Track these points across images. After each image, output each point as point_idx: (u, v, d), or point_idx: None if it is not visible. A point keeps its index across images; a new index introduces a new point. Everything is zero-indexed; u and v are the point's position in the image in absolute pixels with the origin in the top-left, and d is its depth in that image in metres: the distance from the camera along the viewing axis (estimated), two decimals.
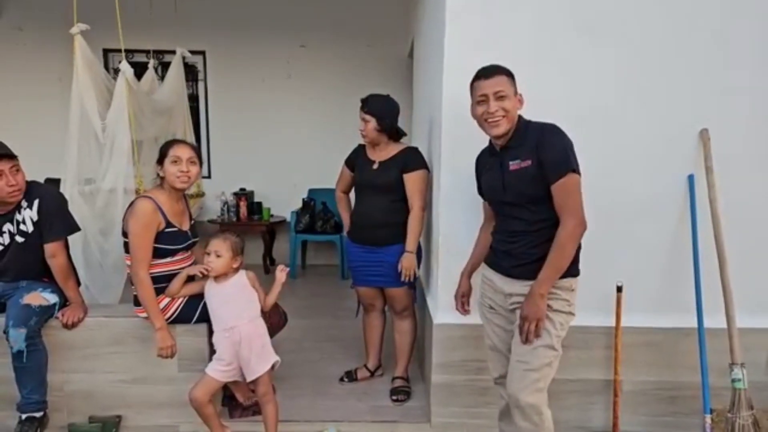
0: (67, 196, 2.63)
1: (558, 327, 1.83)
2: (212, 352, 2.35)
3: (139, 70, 3.59)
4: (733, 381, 2.19)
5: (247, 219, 5.14)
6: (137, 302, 2.36)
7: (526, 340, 1.82)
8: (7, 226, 2.38)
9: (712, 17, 2.24)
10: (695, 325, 2.31)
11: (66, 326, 2.42)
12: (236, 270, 2.30)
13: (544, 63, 2.27)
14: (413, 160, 2.63)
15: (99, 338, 2.46)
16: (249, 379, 2.26)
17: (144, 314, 2.34)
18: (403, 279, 2.62)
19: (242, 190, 5.31)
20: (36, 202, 2.39)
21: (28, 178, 2.41)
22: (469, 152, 2.11)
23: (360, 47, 5.30)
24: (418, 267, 2.70)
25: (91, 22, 2.85)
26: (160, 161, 2.34)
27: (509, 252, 1.92)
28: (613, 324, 2.36)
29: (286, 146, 5.47)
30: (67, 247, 2.48)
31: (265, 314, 2.36)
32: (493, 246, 2.03)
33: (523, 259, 1.87)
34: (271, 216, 5.26)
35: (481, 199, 2.15)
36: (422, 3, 3.30)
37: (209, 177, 5.45)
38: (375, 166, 2.68)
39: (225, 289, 2.27)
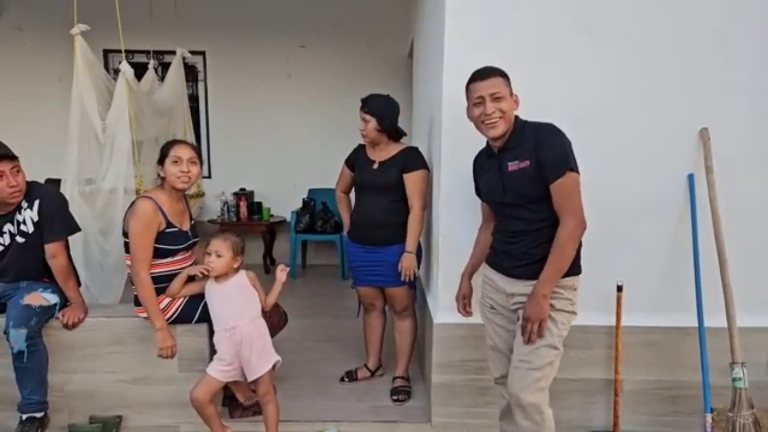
0: (67, 197, 2.63)
1: (560, 326, 1.84)
2: (213, 352, 2.35)
3: (139, 70, 3.58)
4: (734, 380, 2.19)
5: (247, 219, 5.14)
6: (138, 302, 2.36)
7: (528, 341, 1.82)
8: (8, 227, 2.38)
9: (712, 17, 2.24)
10: (696, 324, 2.31)
11: (66, 326, 2.42)
12: (237, 270, 2.30)
13: (544, 63, 2.27)
14: (413, 160, 2.63)
15: (99, 338, 2.46)
16: (250, 379, 2.26)
17: (144, 314, 2.34)
18: (402, 279, 2.62)
19: (242, 190, 5.32)
20: (36, 203, 2.39)
21: (29, 179, 2.41)
22: (469, 152, 2.11)
23: (360, 47, 5.30)
24: (418, 267, 2.70)
25: (91, 22, 2.85)
26: (161, 161, 2.34)
27: (510, 252, 1.92)
28: (614, 323, 2.36)
29: (286, 146, 5.47)
30: (67, 247, 2.48)
31: (265, 314, 2.36)
32: (494, 246, 2.03)
33: (525, 259, 1.87)
34: (271, 216, 5.26)
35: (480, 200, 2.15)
36: (422, 3, 3.30)
37: (209, 177, 5.45)
38: (375, 166, 2.68)
39: (225, 289, 2.27)
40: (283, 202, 5.36)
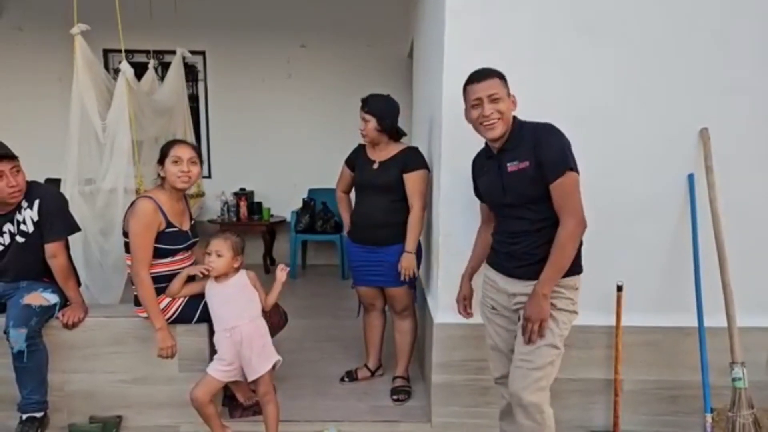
0: (67, 196, 2.63)
1: (561, 325, 1.84)
2: (213, 352, 2.35)
3: (139, 70, 3.58)
4: (734, 380, 2.19)
5: (247, 219, 5.14)
6: (138, 302, 2.36)
7: (529, 341, 1.82)
8: (8, 227, 2.38)
9: (712, 17, 2.24)
10: (695, 324, 2.31)
11: (66, 326, 2.42)
12: (237, 270, 2.30)
13: (544, 63, 2.27)
14: (413, 160, 2.63)
15: (99, 338, 2.46)
16: (250, 378, 2.26)
17: (144, 314, 2.34)
18: (402, 279, 2.63)
19: (242, 190, 5.32)
20: (36, 203, 2.39)
21: (28, 179, 2.41)
22: (469, 152, 2.11)
23: (360, 47, 5.30)
24: (418, 267, 2.70)
25: (91, 22, 2.85)
26: (161, 161, 2.34)
27: (512, 253, 1.92)
28: (614, 323, 2.36)
29: (286, 146, 5.47)
30: (67, 247, 2.48)
31: (265, 314, 2.36)
32: (495, 247, 2.03)
33: (527, 259, 1.87)
34: (271, 216, 5.26)
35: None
36: (422, 3, 3.30)
37: (209, 177, 5.45)
38: (375, 166, 2.68)
39: (226, 288, 2.27)
40: (283, 202, 5.36)
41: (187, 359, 2.44)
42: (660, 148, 2.32)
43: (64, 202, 2.53)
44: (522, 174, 1.82)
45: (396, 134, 2.70)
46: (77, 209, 2.70)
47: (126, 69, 3.00)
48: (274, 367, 2.31)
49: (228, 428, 2.37)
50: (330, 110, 5.38)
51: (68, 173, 2.86)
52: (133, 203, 2.34)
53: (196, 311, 2.38)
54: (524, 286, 1.87)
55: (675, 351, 2.44)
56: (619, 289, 2.33)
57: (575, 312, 1.89)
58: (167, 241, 2.31)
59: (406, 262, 2.60)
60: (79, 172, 2.90)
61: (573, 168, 1.78)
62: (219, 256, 2.22)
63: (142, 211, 2.24)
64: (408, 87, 4.36)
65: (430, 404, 2.57)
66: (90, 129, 2.88)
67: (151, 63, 4.25)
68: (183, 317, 2.38)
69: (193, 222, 2.52)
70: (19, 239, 2.39)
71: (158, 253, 2.30)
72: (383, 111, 2.62)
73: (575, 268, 1.86)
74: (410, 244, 2.60)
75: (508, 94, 1.86)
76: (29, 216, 2.39)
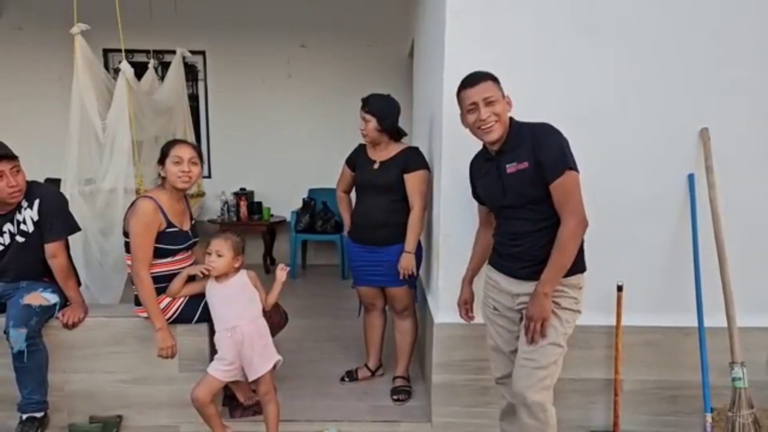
0: (67, 196, 2.63)
1: (565, 324, 1.84)
2: (213, 352, 2.35)
3: (139, 70, 3.58)
4: (734, 380, 2.19)
5: (247, 219, 5.14)
6: (138, 302, 2.36)
7: (531, 341, 1.82)
8: (8, 226, 2.38)
9: (712, 17, 2.24)
10: (695, 324, 2.31)
11: (66, 326, 2.42)
12: (237, 270, 2.30)
13: (544, 63, 2.27)
14: (414, 160, 2.63)
15: (99, 338, 2.46)
16: (251, 378, 2.26)
17: (145, 314, 2.34)
18: (400, 278, 2.63)
19: (242, 189, 5.32)
20: (36, 202, 2.39)
21: (28, 178, 2.41)
22: (469, 152, 2.11)
23: (360, 47, 5.30)
24: (418, 267, 2.70)
25: (91, 22, 2.85)
26: (162, 161, 2.34)
27: (515, 255, 1.91)
28: (614, 323, 2.36)
29: (286, 146, 5.47)
30: (67, 247, 2.48)
31: (266, 314, 2.36)
32: (497, 248, 2.02)
33: (530, 260, 1.86)
34: (271, 216, 5.26)
35: None
36: (422, 3, 3.30)
37: (209, 177, 5.45)
38: (376, 166, 2.68)
39: (226, 288, 2.27)
40: (283, 202, 5.35)
41: (187, 359, 2.44)
42: (660, 148, 2.32)
43: (64, 202, 2.52)
44: (521, 175, 1.82)
45: (396, 134, 2.70)
46: (77, 209, 2.70)
47: (126, 69, 3.00)
48: (274, 366, 2.31)
49: (228, 428, 2.37)
50: (330, 110, 5.38)
51: (68, 173, 2.86)
52: (133, 203, 2.34)
53: (196, 311, 2.38)
54: (528, 287, 1.86)
55: (675, 351, 2.44)
56: (619, 289, 2.34)
57: (579, 311, 1.90)
58: (167, 241, 2.31)
59: (405, 262, 2.60)
60: (79, 172, 2.90)
61: (572, 167, 1.78)
62: (219, 255, 2.22)
63: (143, 211, 2.24)
64: (408, 87, 4.36)
65: (430, 404, 2.57)
66: (90, 129, 2.88)
67: (151, 63, 4.25)
68: (183, 317, 2.38)
69: (193, 222, 2.52)
70: (19, 239, 2.39)
71: (158, 253, 2.30)
72: (384, 111, 2.62)
73: (578, 267, 1.86)
74: (410, 244, 2.60)
75: (503, 96, 1.86)
76: (29, 216, 2.38)
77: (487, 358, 2.17)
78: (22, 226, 2.38)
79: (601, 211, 2.08)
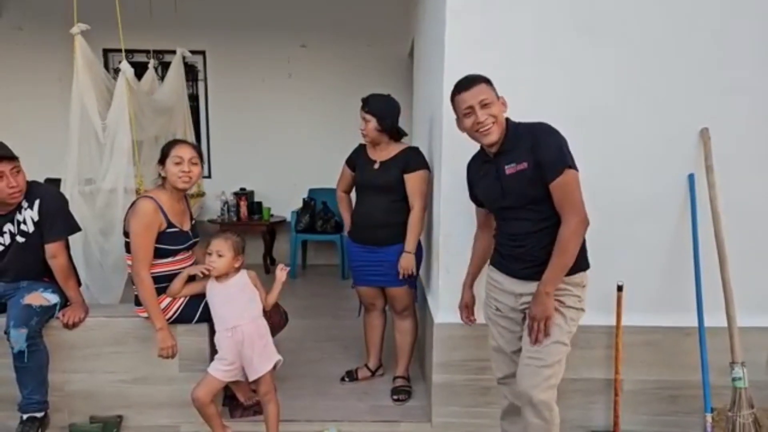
0: (67, 196, 2.63)
1: (569, 322, 1.84)
2: (213, 352, 2.35)
3: (139, 70, 3.58)
4: (734, 380, 2.19)
5: (247, 219, 5.14)
6: (138, 302, 2.36)
7: (535, 341, 1.82)
8: (8, 227, 2.38)
9: (712, 17, 2.24)
10: (696, 324, 2.31)
11: (67, 326, 2.42)
12: (237, 269, 2.30)
13: (544, 63, 2.27)
14: (414, 160, 2.63)
15: (100, 338, 2.46)
16: (251, 378, 2.26)
17: (145, 314, 2.34)
18: (400, 278, 2.63)
19: (242, 189, 5.32)
20: (37, 203, 2.39)
21: (28, 179, 2.41)
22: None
23: (360, 47, 5.30)
24: (418, 267, 2.70)
25: (91, 22, 2.85)
26: (162, 161, 2.34)
27: (517, 256, 1.91)
28: (614, 323, 2.36)
29: (286, 146, 5.47)
30: (67, 247, 2.48)
31: (266, 314, 2.36)
32: (498, 249, 2.02)
33: (532, 261, 1.86)
34: (272, 216, 5.26)
35: None
36: (422, 3, 3.30)
37: (209, 177, 5.45)
38: (376, 166, 2.68)
39: (227, 288, 2.27)
40: (283, 202, 5.35)
41: (187, 359, 2.44)
42: (660, 148, 2.32)
43: (64, 202, 2.52)
44: (521, 175, 1.82)
45: (396, 134, 2.70)
46: (77, 209, 2.70)
47: (126, 69, 3.01)
48: (275, 366, 2.31)
49: (228, 428, 2.37)
50: (330, 110, 5.38)
51: (68, 173, 2.86)
52: (133, 203, 2.34)
53: (196, 311, 2.38)
54: (531, 286, 1.86)
55: (675, 351, 2.44)
56: (620, 289, 2.34)
57: (582, 309, 1.90)
58: (168, 241, 2.31)
59: (405, 262, 2.60)
60: (79, 172, 2.90)
61: (571, 166, 1.78)
62: (220, 256, 2.22)
63: (143, 211, 2.24)
64: (408, 87, 4.36)
65: (430, 404, 2.57)
66: (90, 129, 2.88)
67: (151, 63, 4.26)
68: (183, 317, 2.38)
69: (193, 222, 2.52)
70: (20, 239, 2.39)
71: (159, 253, 2.30)
72: (384, 111, 2.62)
73: (581, 265, 1.86)
74: (410, 244, 2.60)
75: (497, 97, 1.85)
76: (29, 216, 2.38)
77: (487, 358, 2.17)
78: (23, 227, 2.38)
79: (601, 210, 2.08)
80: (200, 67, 5.45)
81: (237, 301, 2.27)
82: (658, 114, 2.30)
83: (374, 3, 5.08)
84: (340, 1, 5.20)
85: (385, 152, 2.68)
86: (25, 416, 2.31)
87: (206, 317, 2.35)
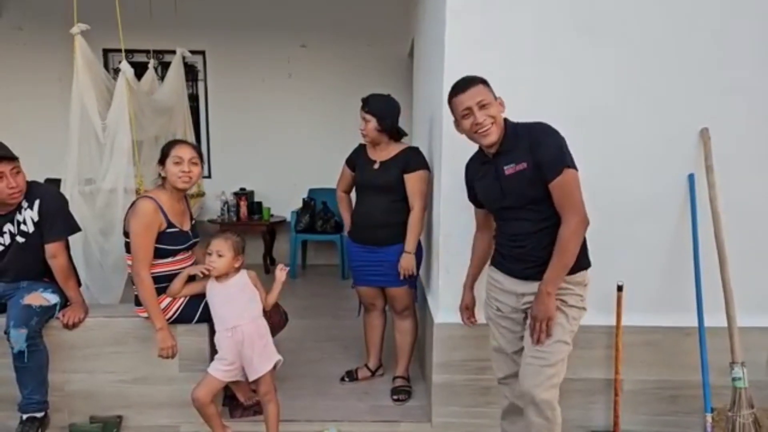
0: (67, 196, 2.63)
1: (571, 321, 1.85)
2: (213, 352, 2.35)
3: (139, 70, 3.59)
4: (734, 380, 2.19)
5: (247, 219, 5.14)
6: (138, 302, 2.37)
7: (537, 341, 1.82)
8: (8, 227, 2.38)
9: (712, 17, 2.24)
10: (696, 324, 2.31)
11: (67, 326, 2.42)
12: (237, 269, 2.30)
13: (544, 63, 2.27)
14: (414, 160, 2.63)
15: (100, 338, 2.46)
16: (251, 378, 2.26)
17: (145, 314, 2.34)
18: (400, 278, 2.63)
19: (242, 189, 5.32)
20: (36, 203, 2.39)
21: (28, 179, 2.41)
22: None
23: (360, 47, 5.30)
24: (419, 267, 2.70)
25: (91, 22, 2.85)
26: (162, 161, 2.34)
27: (518, 257, 1.91)
28: (614, 323, 2.36)
29: (286, 146, 5.47)
30: (67, 247, 2.48)
31: (266, 314, 2.36)
32: (499, 250, 2.02)
33: (533, 262, 1.86)
34: (271, 216, 5.26)
35: None
36: (422, 3, 3.30)
37: (209, 177, 5.45)
38: (376, 166, 2.68)
39: (227, 288, 2.27)
40: (283, 202, 5.35)
41: (187, 359, 2.44)
42: (660, 148, 2.32)
43: (64, 202, 2.52)
44: (520, 176, 1.82)
45: (396, 134, 2.70)
46: (77, 209, 2.70)
47: (126, 69, 3.01)
48: (275, 366, 2.31)
49: (228, 428, 2.37)
50: (330, 110, 5.38)
51: (68, 173, 2.86)
52: (133, 203, 2.34)
53: (196, 311, 2.38)
54: (533, 286, 1.86)
55: (675, 351, 2.44)
56: (619, 289, 2.34)
57: (584, 308, 1.90)
58: (168, 242, 2.31)
59: (405, 262, 2.60)
60: (79, 172, 2.90)
61: (571, 165, 1.78)
62: (220, 256, 2.22)
63: (143, 211, 2.24)
64: (408, 87, 4.36)
65: (430, 404, 2.57)
66: (90, 129, 2.88)
67: (151, 63, 4.25)
68: (183, 317, 2.38)
69: (193, 222, 2.52)
70: (20, 239, 2.39)
71: (159, 253, 2.30)
72: (383, 111, 2.62)
73: (582, 263, 1.86)
74: (410, 244, 2.60)
75: (495, 98, 1.85)
76: (29, 216, 2.38)
77: (487, 358, 2.17)
78: (23, 227, 2.38)
79: (601, 210, 2.08)
80: (200, 67, 5.45)
81: (237, 301, 2.27)
82: (658, 114, 2.30)
83: (374, 3, 5.08)
84: (340, 1, 5.20)
85: (385, 152, 2.68)
86: (25, 416, 2.31)
87: (206, 317, 2.35)
